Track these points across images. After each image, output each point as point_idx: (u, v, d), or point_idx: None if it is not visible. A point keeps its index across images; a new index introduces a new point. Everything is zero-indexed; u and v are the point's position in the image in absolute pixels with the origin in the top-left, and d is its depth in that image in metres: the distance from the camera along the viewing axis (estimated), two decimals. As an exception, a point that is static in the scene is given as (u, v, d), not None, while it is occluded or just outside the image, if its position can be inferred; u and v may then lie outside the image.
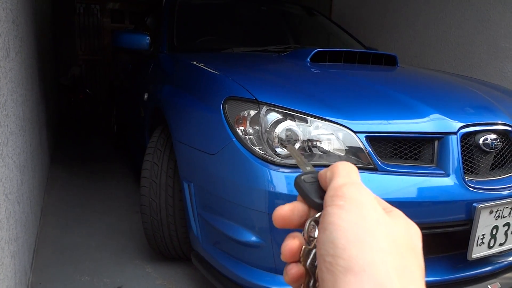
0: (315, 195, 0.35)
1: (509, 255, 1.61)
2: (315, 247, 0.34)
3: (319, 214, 0.35)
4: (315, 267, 0.33)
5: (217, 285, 1.56)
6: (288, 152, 1.40)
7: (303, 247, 0.34)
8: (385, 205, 0.34)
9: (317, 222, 0.35)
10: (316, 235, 0.34)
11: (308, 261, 0.34)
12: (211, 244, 1.62)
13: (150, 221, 1.90)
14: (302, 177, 0.37)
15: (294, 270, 0.35)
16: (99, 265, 2.06)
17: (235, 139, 1.45)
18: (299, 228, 0.37)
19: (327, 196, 0.33)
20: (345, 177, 0.34)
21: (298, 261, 0.35)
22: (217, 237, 1.58)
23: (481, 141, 1.49)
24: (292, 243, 0.35)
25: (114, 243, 2.30)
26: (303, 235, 0.36)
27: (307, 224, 0.35)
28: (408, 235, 0.31)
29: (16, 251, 1.52)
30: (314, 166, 1.38)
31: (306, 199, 0.36)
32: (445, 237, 1.55)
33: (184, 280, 1.96)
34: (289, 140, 1.40)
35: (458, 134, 1.46)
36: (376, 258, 0.27)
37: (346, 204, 0.31)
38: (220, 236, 1.55)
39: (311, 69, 1.96)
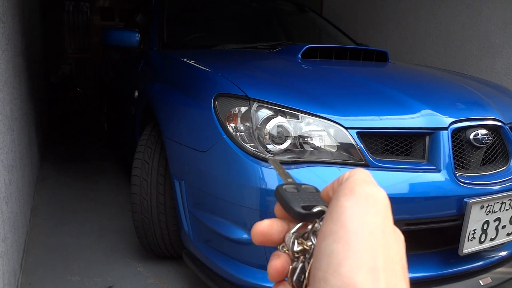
0: (296, 204, 0.35)
1: (500, 250, 1.62)
2: (302, 261, 0.33)
3: (299, 225, 0.35)
4: (302, 282, 0.32)
5: (209, 283, 1.55)
6: (280, 149, 1.39)
7: (290, 267, 0.33)
8: None
9: (298, 236, 0.34)
10: (297, 249, 0.33)
11: (295, 277, 0.33)
12: (203, 242, 1.61)
13: (141, 220, 1.89)
14: (284, 187, 0.37)
15: None
16: (90, 264, 2.04)
17: (226, 136, 1.44)
18: (278, 245, 0.36)
19: (337, 193, 0.31)
20: (363, 175, 0.32)
21: (284, 280, 0.34)
22: (208, 235, 1.57)
23: (471, 136, 1.50)
24: (277, 263, 0.34)
25: (105, 242, 2.28)
26: (285, 251, 0.35)
27: (289, 239, 0.34)
28: (400, 246, 0.30)
29: (4, 252, 1.49)
30: (306, 162, 1.37)
31: (286, 207, 0.35)
32: (436, 233, 1.55)
33: (176, 278, 1.94)
34: (280, 136, 1.39)
35: (449, 129, 1.46)
36: (369, 278, 0.26)
37: (352, 206, 0.29)
38: (211, 234, 1.54)
39: (302, 66, 1.95)
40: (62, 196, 2.99)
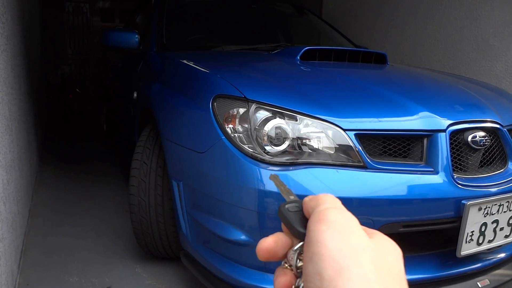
0: (299, 225, 0.35)
1: (497, 252, 1.62)
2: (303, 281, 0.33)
3: (301, 243, 0.35)
4: None
5: (207, 284, 1.55)
6: (278, 150, 1.39)
7: (293, 286, 0.34)
8: (367, 231, 0.34)
9: (300, 253, 0.35)
10: (299, 264, 0.34)
11: None
12: (201, 243, 1.61)
13: (140, 221, 1.89)
14: (286, 206, 0.37)
15: None
16: (88, 265, 2.04)
17: (224, 137, 1.44)
18: (283, 259, 0.36)
19: (310, 222, 0.32)
20: (329, 204, 0.34)
21: None
22: (206, 236, 1.57)
23: (469, 138, 1.50)
24: (284, 280, 0.35)
25: (103, 243, 2.28)
26: (289, 267, 0.35)
27: (293, 256, 0.35)
28: (391, 260, 0.31)
29: (2, 252, 1.49)
30: (304, 164, 1.37)
31: (290, 228, 0.36)
32: (434, 235, 1.55)
33: (173, 279, 1.94)
34: (278, 138, 1.39)
35: (447, 131, 1.46)
36: None
37: (329, 229, 0.30)
38: (209, 235, 1.54)
39: (301, 67, 1.95)
40: (61, 196, 2.99)
